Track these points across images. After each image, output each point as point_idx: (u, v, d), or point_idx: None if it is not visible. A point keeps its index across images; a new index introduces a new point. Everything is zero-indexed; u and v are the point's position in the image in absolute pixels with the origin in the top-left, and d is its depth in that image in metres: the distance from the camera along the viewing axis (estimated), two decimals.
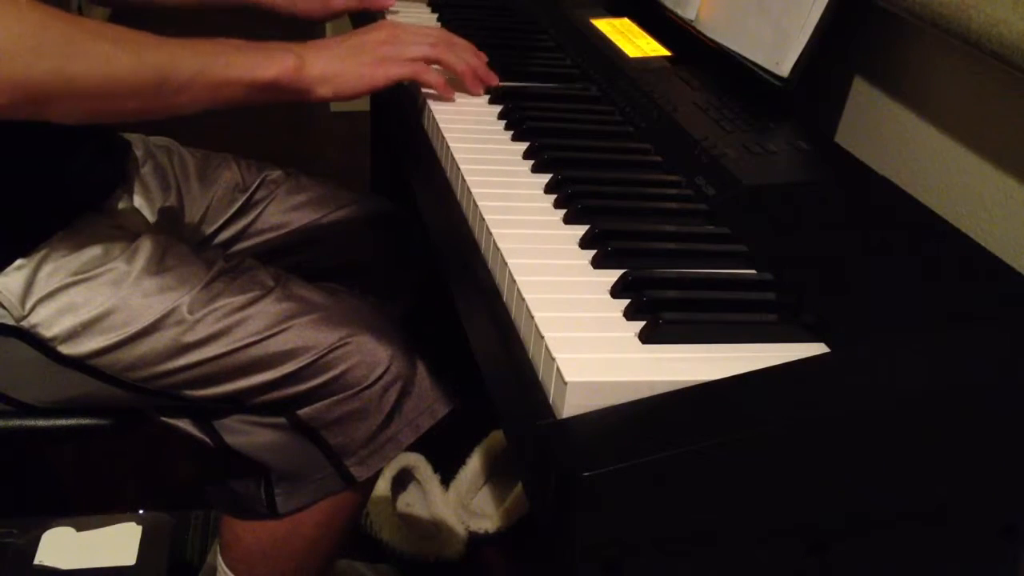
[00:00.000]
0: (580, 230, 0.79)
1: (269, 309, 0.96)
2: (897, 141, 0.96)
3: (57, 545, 1.23)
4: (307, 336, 0.96)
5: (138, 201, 1.09)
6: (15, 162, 0.94)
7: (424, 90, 1.05)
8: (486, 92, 1.07)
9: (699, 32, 1.14)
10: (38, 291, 0.92)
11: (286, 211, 1.21)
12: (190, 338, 0.94)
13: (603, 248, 0.76)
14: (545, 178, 0.88)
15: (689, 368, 0.63)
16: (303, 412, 0.97)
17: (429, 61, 1.01)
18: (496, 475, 1.57)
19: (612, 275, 0.73)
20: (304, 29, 1.88)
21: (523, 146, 0.94)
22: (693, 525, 0.61)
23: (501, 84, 1.07)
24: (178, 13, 1.25)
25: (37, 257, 0.92)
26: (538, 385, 0.64)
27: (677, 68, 1.14)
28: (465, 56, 1.05)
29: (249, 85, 0.88)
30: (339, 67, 0.93)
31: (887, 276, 0.74)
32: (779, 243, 0.78)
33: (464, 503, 1.53)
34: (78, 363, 0.95)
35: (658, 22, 1.23)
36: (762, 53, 1.02)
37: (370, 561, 1.43)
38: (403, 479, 1.55)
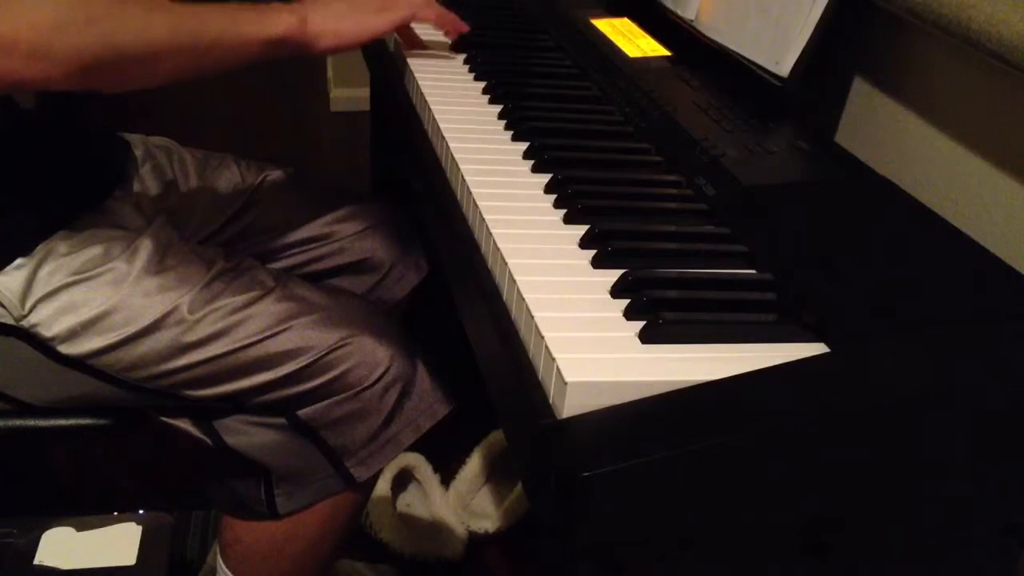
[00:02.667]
0: (580, 230, 0.79)
1: (269, 309, 0.96)
2: (897, 141, 0.96)
3: (57, 545, 1.23)
4: (307, 336, 0.96)
5: (137, 201, 1.09)
6: (15, 161, 0.94)
7: (424, 89, 1.05)
8: (484, 92, 1.07)
9: (699, 32, 1.14)
10: (38, 290, 0.92)
11: (286, 211, 1.21)
12: (190, 338, 0.94)
13: (603, 248, 0.76)
14: (545, 178, 0.88)
15: (689, 368, 0.63)
16: (303, 412, 0.97)
17: (429, 16, 1.08)
18: (496, 475, 1.57)
19: (612, 275, 0.73)
20: None
21: (523, 146, 0.94)
22: (693, 525, 0.61)
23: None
24: None
25: (37, 256, 0.92)
26: (538, 385, 0.64)
27: (677, 68, 1.14)
28: (443, 11, 1.12)
29: (264, 42, 0.93)
30: (338, 20, 0.98)
31: (887, 276, 0.74)
32: (779, 243, 0.78)
33: (464, 503, 1.53)
34: (78, 363, 0.94)
35: (658, 22, 1.23)
36: (762, 53, 1.02)
37: (370, 561, 1.43)
38: (403, 479, 1.55)
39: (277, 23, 0.93)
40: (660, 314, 0.66)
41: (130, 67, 0.84)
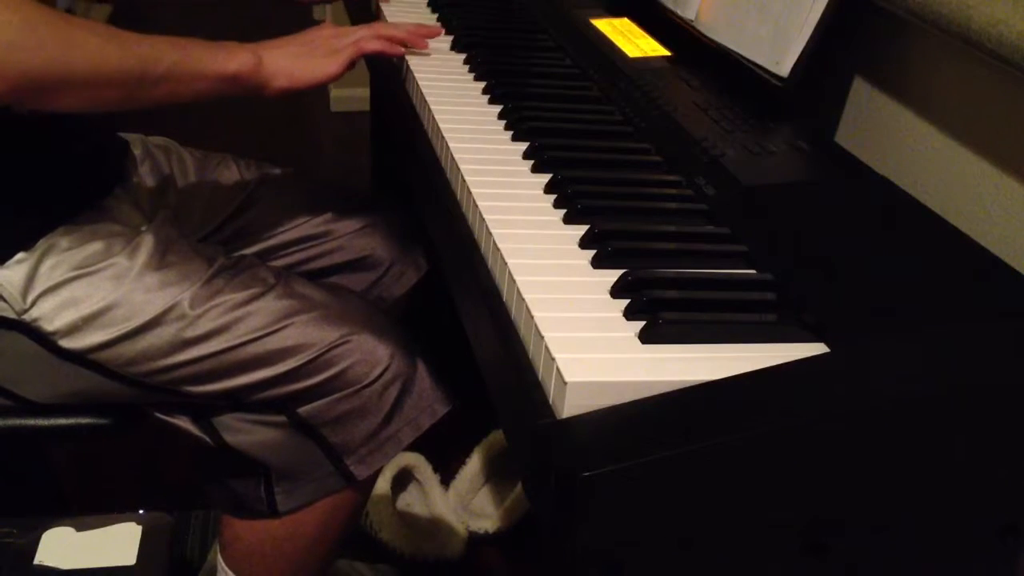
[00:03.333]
0: (580, 230, 0.79)
1: (270, 306, 0.96)
2: (897, 141, 0.96)
3: (57, 545, 1.22)
4: (307, 333, 0.96)
5: (136, 201, 1.09)
6: (16, 157, 0.94)
7: (424, 90, 1.05)
8: (484, 92, 1.07)
9: (699, 32, 1.14)
10: (40, 285, 0.92)
11: (285, 211, 1.21)
12: (191, 333, 0.94)
13: (603, 248, 0.76)
14: (545, 178, 0.88)
15: (689, 368, 0.63)
16: (303, 410, 0.97)
17: (374, 47, 1.07)
18: (496, 475, 1.57)
19: (612, 275, 0.73)
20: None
21: (523, 146, 0.94)
22: (693, 525, 0.61)
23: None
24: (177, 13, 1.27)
25: (39, 251, 0.93)
26: (538, 385, 0.64)
27: (677, 68, 1.14)
28: (403, 27, 1.14)
29: (215, 78, 0.94)
30: (292, 62, 1.00)
31: (887, 276, 0.74)
32: (779, 243, 0.78)
33: (464, 503, 1.53)
34: (79, 357, 0.95)
35: (658, 22, 1.23)
36: (762, 53, 1.02)
37: (370, 561, 1.43)
38: (403, 479, 1.55)
39: (231, 60, 0.95)
40: (660, 314, 0.66)
41: (77, 91, 0.85)
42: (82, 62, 0.84)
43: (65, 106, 0.86)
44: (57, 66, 0.83)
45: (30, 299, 0.92)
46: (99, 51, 0.86)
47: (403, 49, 1.13)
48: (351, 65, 1.05)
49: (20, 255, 0.92)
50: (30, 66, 0.81)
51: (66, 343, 0.94)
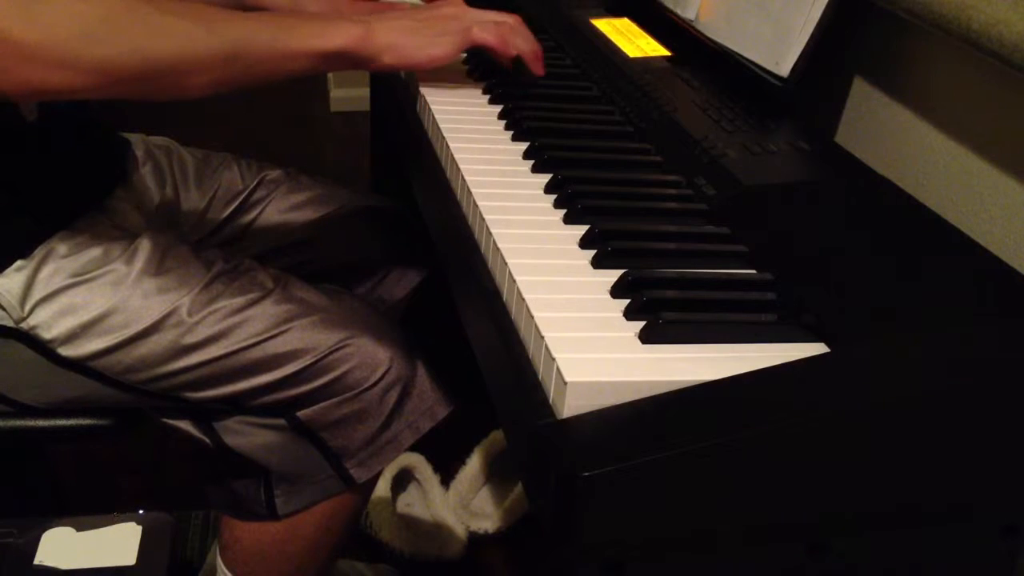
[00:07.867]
0: (580, 230, 0.79)
1: (269, 311, 0.96)
2: (897, 141, 0.96)
3: (57, 545, 1.22)
4: (307, 338, 0.95)
5: (137, 201, 1.09)
6: (14, 162, 0.94)
7: (424, 90, 1.05)
8: (484, 92, 1.07)
9: (699, 32, 1.14)
10: (38, 292, 0.92)
11: (286, 211, 1.21)
12: (190, 340, 0.94)
13: (603, 248, 0.76)
14: (545, 178, 0.88)
15: (689, 368, 0.63)
16: (303, 414, 0.97)
17: (487, 40, 1.00)
18: (496, 475, 1.57)
19: (612, 275, 0.73)
20: None
21: (523, 146, 0.94)
22: (693, 525, 0.61)
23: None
24: None
25: (37, 258, 0.92)
26: (538, 385, 0.64)
27: (677, 68, 1.14)
28: (530, 39, 1.04)
29: (317, 55, 0.90)
30: (404, 38, 0.95)
31: (887, 276, 0.73)
32: (779, 243, 0.78)
33: (464, 503, 1.53)
34: (78, 365, 0.94)
35: (658, 22, 1.23)
36: (762, 53, 1.02)
37: (370, 561, 1.43)
38: (403, 479, 1.56)
39: (336, 35, 0.90)
40: (660, 314, 0.66)
41: (163, 79, 0.82)
42: (168, 49, 0.80)
43: (152, 96, 0.83)
44: (138, 55, 0.78)
45: (28, 307, 0.92)
46: (185, 36, 0.81)
47: (512, 56, 1.03)
48: (459, 52, 0.99)
49: (18, 263, 0.92)
50: (109, 57, 0.77)
51: (65, 351, 0.94)
